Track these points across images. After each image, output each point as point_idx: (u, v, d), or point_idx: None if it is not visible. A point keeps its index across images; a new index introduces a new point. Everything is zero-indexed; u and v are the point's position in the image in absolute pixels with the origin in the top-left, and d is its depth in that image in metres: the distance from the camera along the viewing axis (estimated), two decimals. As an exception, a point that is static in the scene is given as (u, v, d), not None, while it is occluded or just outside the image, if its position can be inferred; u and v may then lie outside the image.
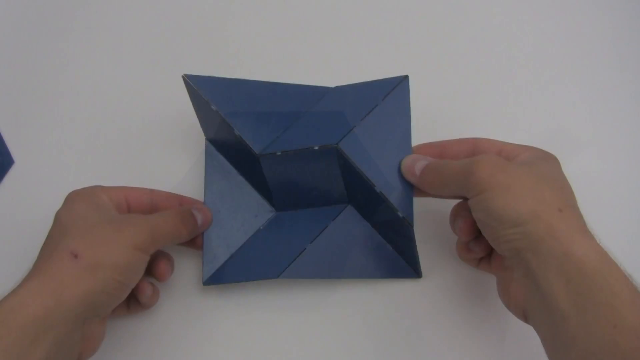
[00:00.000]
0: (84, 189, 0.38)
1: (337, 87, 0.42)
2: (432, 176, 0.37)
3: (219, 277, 0.40)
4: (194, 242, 0.41)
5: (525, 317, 0.34)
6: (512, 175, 0.33)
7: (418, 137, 0.41)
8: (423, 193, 0.39)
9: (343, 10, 0.54)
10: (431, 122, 0.48)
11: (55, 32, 0.52)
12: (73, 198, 0.38)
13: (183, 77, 0.39)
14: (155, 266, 0.38)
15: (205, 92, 0.39)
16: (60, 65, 0.51)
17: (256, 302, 0.43)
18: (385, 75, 0.41)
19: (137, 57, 0.52)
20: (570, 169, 0.38)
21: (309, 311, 0.43)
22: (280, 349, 0.42)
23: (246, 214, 0.42)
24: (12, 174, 0.47)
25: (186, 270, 0.44)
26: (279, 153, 0.38)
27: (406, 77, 0.40)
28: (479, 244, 0.37)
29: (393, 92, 0.39)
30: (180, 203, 0.41)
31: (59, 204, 0.46)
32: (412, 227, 0.38)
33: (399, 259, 0.42)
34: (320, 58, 0.52)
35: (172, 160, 0.48)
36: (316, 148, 0.37)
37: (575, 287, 0.29)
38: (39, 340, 0.30)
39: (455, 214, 0.38)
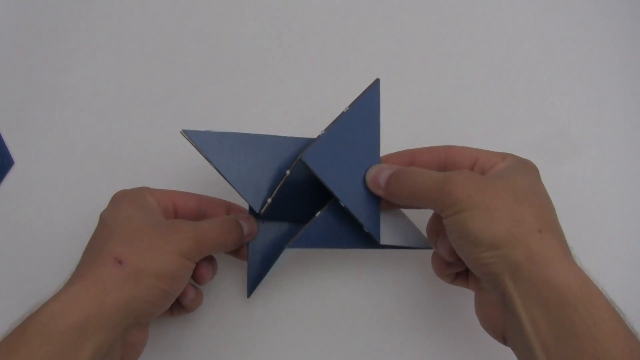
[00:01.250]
0: (131, 190, 0.37)
1: None
2: (399, 187, 0.35)
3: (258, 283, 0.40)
4: (239, 252, 0.40)
5: (503, 340, 0.33)
6: (489, 195, 0.31)
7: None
8: (392, 205, 0.37)
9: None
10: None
11: (56, 33, 0.52)
12: (119, 199, 0.36)
13: (181, 132, 0.37)
14: (196, 269, 0.36)
15: (205, 148, 0.37)
16: (60, 66, 0.51)
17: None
18: (358, 83, 0.39)
19: (138, 58, 0.52)
20: (568, 172, 0.39)
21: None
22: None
23: (292, 223, 0.40)
24: (12, 175, 0.47)
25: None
26: (269, 201, 0.38)
27: (377, 81, 0.38)
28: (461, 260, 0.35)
29: (362, 97, 0.38)
30: (228, 210, 0.40)
31: (58, 205, 0.47)
32: (379, 242, 0.37)
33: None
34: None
35: (177, 160, 0.47)
36: (287, 173, 0.37)
37: (555, 317, 0.28)
38: (80, 347, 0.30)
39: (436, 229, 0.36)
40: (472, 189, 0.31)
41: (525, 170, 0.34)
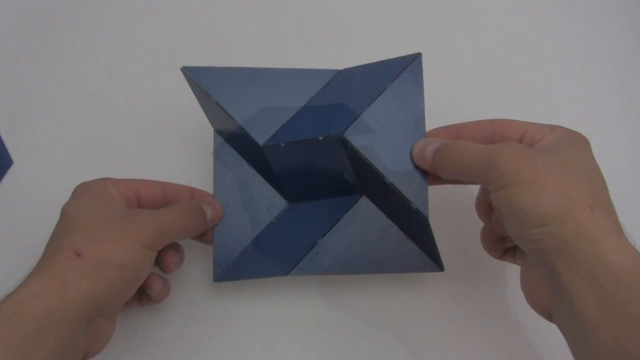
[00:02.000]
0: (92, 181, 0.37)
1: (344, 70, 0.40)
2: (446, 160, 0.34)
3: (229, 274, 0.39)
4: (205, 236, 0.39)
5: (549, 317, 0.32)
6: (537, 169, 0.30)
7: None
8: (439, 180, 0.36)
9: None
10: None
11: (54, 31, 0.52)
12: (80, 191, 0.36)
13: (182, 69, 0.37)
14: (161, 257, 0.36)
15: (205, 84, 0.37)
16: (58, 64, 0.51)
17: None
18: (398, 54, 0.38)
19: (135, 53, 0.51)
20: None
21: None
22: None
23: (257, 206, 0.40)
24: (11, 175, 0.47)
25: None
26: (283, 145, 0.36)
27: (419, 55, 0.37)
28: None
29: (404, 72, 0.36)
30: (192, 195, 0.40)
31: (57, 204, 0.45)
32: (427, 218, 0.36)
33: (419, 252, 0.39)
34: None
35: (176, 155, 0.47)
36: (321, 138, 0.35)
37: (607, 296, 0.27)
38: (42, 340, 0.29)
39: (488, 202, 0.35)
40: (520, 163, 0.30)
41: (575, 143, 0.33)
